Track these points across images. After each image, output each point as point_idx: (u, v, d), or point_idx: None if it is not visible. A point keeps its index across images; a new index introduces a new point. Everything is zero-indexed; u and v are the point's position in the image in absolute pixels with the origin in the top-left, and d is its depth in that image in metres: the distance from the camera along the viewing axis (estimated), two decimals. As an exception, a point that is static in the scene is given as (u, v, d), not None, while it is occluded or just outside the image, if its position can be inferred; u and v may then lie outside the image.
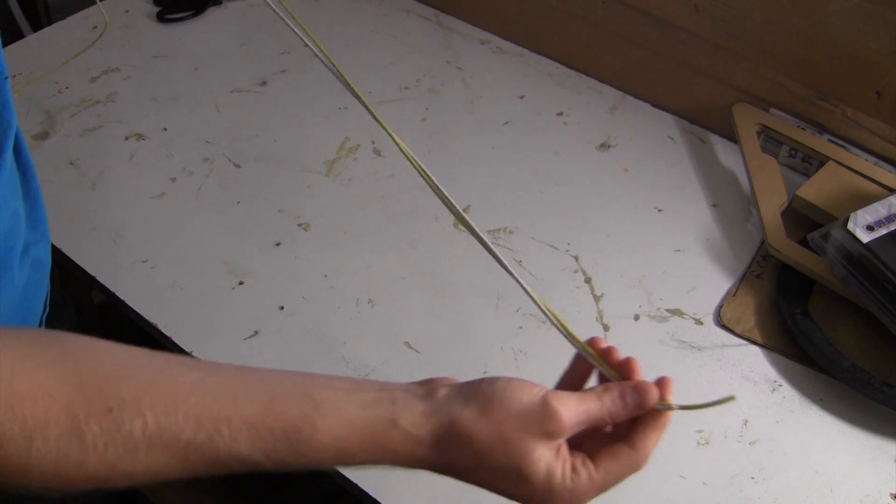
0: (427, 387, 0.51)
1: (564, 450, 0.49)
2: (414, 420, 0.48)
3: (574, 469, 0.49)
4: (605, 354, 0.54)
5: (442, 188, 0.60)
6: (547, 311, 0.55)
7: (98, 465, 0.43)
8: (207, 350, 0.80)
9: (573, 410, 0.49)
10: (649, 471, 0.72)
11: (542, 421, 0.48)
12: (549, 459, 0.48)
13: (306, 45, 0.63)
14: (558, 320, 0.55)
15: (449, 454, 0.48)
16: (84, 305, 1.20)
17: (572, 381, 0.56)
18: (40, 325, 0.69)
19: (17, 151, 0.62)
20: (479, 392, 0.49)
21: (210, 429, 0.45)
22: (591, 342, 0.54)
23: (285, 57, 1.14)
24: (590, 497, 0.49)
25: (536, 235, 0.92)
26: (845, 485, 0.71)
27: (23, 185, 0.64)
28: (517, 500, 0.49)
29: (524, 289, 0.55)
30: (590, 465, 0.49)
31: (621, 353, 0.54)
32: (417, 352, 0.81)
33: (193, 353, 0.80)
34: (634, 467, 0.50)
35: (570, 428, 0.49)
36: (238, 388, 0.47)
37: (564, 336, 0.55)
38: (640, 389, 0.51)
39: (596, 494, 0.49)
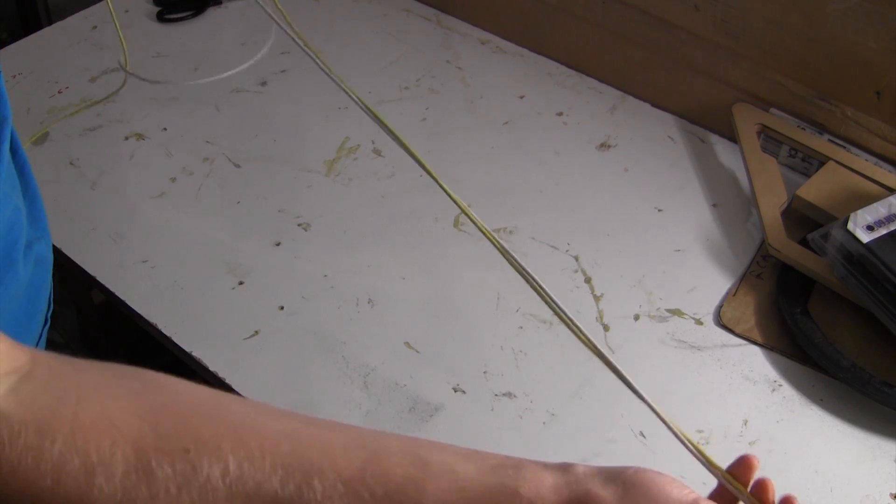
0: (563, 463, 0.46)
1: None
2: (540, 492, 0.43)
3: None
4: (754, 487, 0.49)
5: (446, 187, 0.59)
6: (683, 438, 0.51)
7: None
8: (207, 350, 0.80)
9: None
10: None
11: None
12: None
13: (305, 47, 0.63)
14: (694, 446, 0.51)
15: None
16: (84, 305, 1.20)
17: (723, 497, 0.52)
18: (45, 322, 0.69)
19: (14, 150, 0.62)
20: (624, 476, 0.46)
21: (300, 481, 0.40)
22: (741, 467, 0.49)
23: (285, 57, 1.14)
24: None
25: (536, 235, 0.92)
26: (845, 485, 0.71)
27: (21, 183, 0.64)
28: None
29: (643, 399, 0.52)
30: None
31: (774, 491, 0.49)
32: (417, 352, 0.81)
33: (193, 353, 0.80)
34: None
35: None
36: (337, 440, 0.42)
37: (704, 465, 0.51)
38: None
39: None
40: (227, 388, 0.78)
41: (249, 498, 0.39)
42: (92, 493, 0.38)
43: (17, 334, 0.63)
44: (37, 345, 0.67)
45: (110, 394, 0.40)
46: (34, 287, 0.65)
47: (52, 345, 0.75)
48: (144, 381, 0.42)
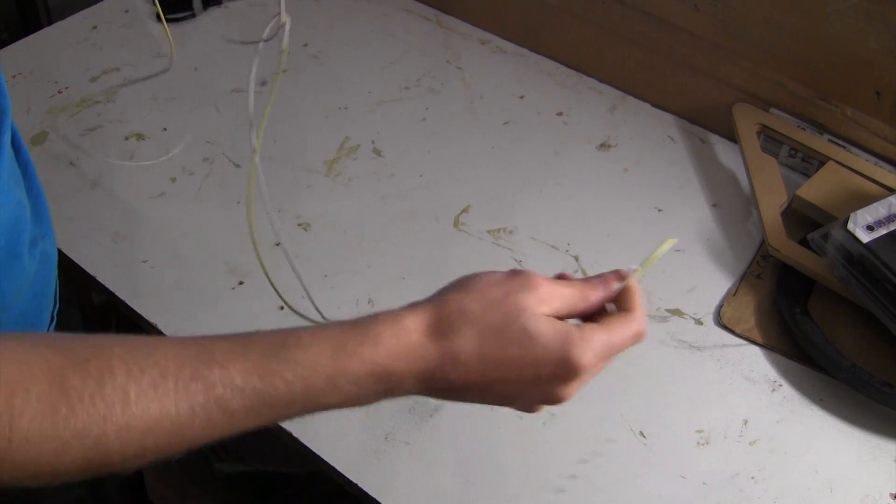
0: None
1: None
2: (405, 317, 0.47)
3: (579, 328, 0.47)
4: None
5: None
6: None
7: (90, 419, 0.40)
8: (207, 350, 0.80)
9: (548, 280, 0.49)
10: (649, 470, 0.72)
11: (522, 285, 0.47)
12: (546, 315, 0.47)
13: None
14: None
15: (448, 340, 0.46)
16: (84, 305, 1.20)
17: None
18: (51, 319, 0.69)
19: (17, 148, 0.62)
20: (453, 283, 0.49)
21: (197, 363, 0.43)
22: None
23: (285, 57, 1.14)
24: (605, 345, 0.47)
25: (536, 235, 0.92)
26: (845, 485, 0.71)
27: (25, 181, 0.64)
28: (534, 369, 0.47)
29: None
30: (593, 325, 0.48)
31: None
32: (417, 352, 0.81)
33: (193, 353, 0.80)
34: (638, 331, 0.49)
35: (548, 293, 0.48)
36: (212, 339, 0.45)
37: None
38: (600, 276, 0.51)
39: (610, 351, 0.48)
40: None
41: (155, 387, 0.42)
42: (13, 415, 0.39)
43: (23, 330, 0.63)
44: None
45: (24, 337, 0.43)
46: (39, 284, 0.66)
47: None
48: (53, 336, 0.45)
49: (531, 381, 0.47)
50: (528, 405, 0.50)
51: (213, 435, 0.44)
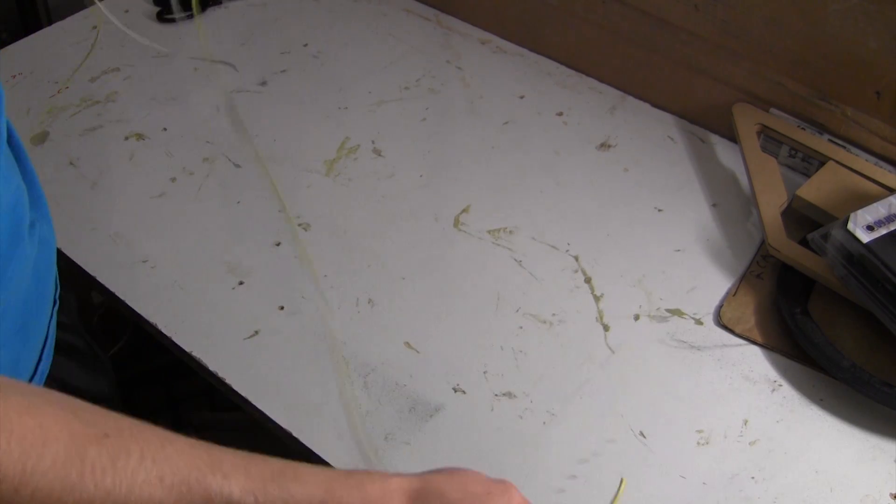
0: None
1: None
2: (391, 477, 0.52)
3: None
4: None
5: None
6: None
7: (95, 491, 0.43)
8: (207, 350, 0.80)
9: (524, 499, 0.55)
10: (649, 470, 0.72)
11: (502, 492, 0.53)
12: None
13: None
14: None
15: None
16: (84, 305, 1.20)
17: None
18: (54, 304, 0.70)
19: (8, 133, 0.63)
20: (441, 469, 0.55)
21: (203, 467, 0.46)
22: None
23: (285, 57, 1.14)
24: None
25: (536, 235, 0.92)
26: (845, 485, 0.71)
27: (18, 165, 0.64)
28: None
29: None
30: None
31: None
32: (417, 352, 0.81)
33: (193, 353, 0.80)
34: None
35: (519, 498, 0.54)
36: (220, 449, 0.48)
37: None
38: None
39: None
40: (227, 387, 0.78)
41: (161, 479, 0.44)
42: (25, 473, 0.41)
43: (30, 314, 0.64)
44: (48, 324, 0.68)
45: (30, 390, 0.44)
46: (40, 268, 0.66)
47: (61, 327, 0.75)
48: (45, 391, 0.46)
49: None
50: None
51: None
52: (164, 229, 0.91)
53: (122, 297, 0.85)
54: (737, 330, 0.82)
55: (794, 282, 0.84)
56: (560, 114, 1.07)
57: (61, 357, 0.74)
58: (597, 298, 0.86)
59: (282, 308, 0.84)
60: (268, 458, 0.49)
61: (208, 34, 1.18)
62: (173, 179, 0.97)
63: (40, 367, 0.66)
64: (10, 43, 1.17)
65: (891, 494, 0.71)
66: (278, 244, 0.91)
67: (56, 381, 0.72)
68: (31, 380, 0.65)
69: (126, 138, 1.02)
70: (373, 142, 1.02)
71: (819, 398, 0.77)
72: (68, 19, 1.21)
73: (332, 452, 0.73)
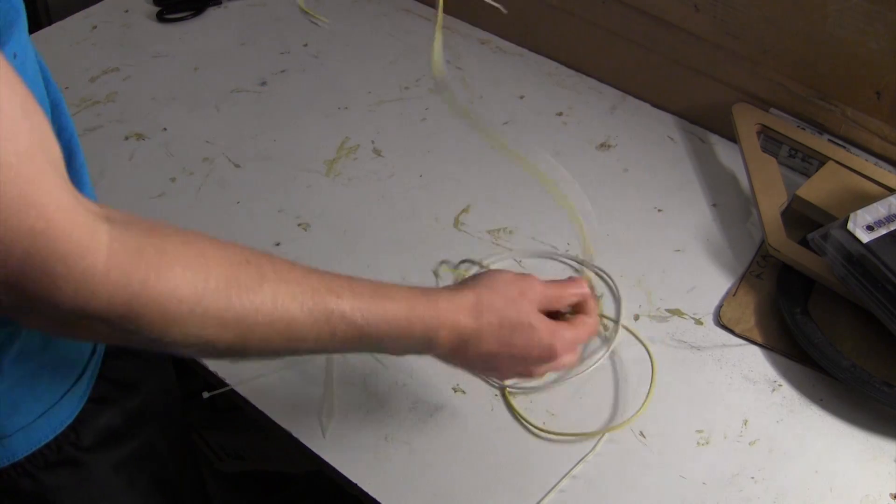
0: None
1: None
2: (456, 295, 0.63)
3: (558, 324, 0.66)
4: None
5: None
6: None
7: (249, 306, 0.51)
8: (207, 350, 0.80)
9: (542, 284, 0.66)
10: (649, 470, 0.72)
11: (529, 286, 0.65)
12: (540, 311, 0.65)
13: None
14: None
15: (479, 322, 0.62)
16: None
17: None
18: None
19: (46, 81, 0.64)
20: (481, 278, 0.65)
21: (321, 288, 0.55)
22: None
23: (285, 57, 1.14)
24: (573, 338, 0.66)
25: (536, 235, 0.92)
26: (845, 485, 0.71)
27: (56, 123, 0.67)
28: (528, 351, 0.64)
29: None
30: (564, 324, 0.67)
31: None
32: (417, 352, 0.81)
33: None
34: (593, 328, 0.68)
35: (542, 293, 0.65)
36: (330, 275, 0.57)
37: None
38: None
39: (577, 338, 0.67)
40: (226, 388, 0.78)
41: (287, 283, 0.53)
42: (197, 292, 0.49)
43: None
44: None
45: (176, 227, 0.52)
46: None
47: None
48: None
49: (521, 359, 0.65)
50: (509, 375, 0.68)
51: (316, 349, 0.57)
52: (164, 229, 0.91)
53: (122, 297, 0.84)
54: (737, 330, 0.82)
55: (793, 282, 0.84)
56: (560, 114, 1.07)
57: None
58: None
59: (282, 308, 0.84)
60: (362, 279, 0.58)
61: (208, 34, 1.18)
62: (173, 179, 0.97)
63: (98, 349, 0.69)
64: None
65: (891, 494, 0.71)
66: (278, 244, 0.91)
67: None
68: (91, 358, 0.68)
69: (126, 138, 1.02)
70: (373, 142, 1.02)
71: (819, 398, 0.77)
72: (68, 19, 1.21)
73: (331, 451, 0.73)
